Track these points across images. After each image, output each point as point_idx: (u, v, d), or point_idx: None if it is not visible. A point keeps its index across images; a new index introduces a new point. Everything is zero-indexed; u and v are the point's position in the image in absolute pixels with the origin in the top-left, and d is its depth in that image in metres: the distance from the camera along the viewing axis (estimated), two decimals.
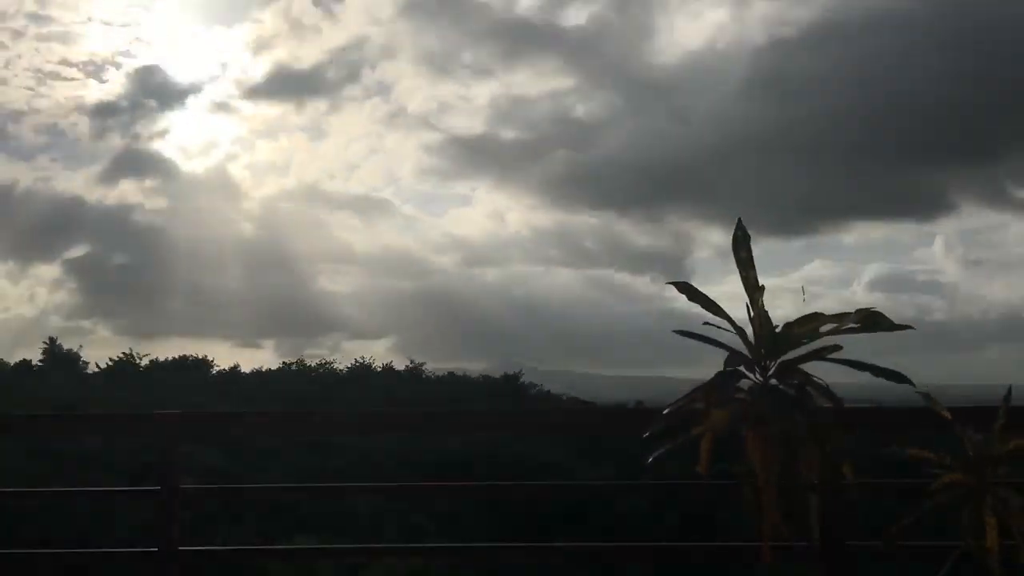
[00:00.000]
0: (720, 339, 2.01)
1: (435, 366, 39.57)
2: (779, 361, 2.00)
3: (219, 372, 37.31)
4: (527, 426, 5.51)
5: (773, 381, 1.99)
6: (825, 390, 1.99)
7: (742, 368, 2.00)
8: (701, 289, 2.02)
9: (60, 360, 36.66)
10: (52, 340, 37.51)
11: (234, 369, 37.57)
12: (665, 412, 2.04)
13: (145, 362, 36.12)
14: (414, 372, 37.65)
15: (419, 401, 31.41)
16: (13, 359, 35.94)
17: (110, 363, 35.54)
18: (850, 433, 2.14)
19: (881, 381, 1.97)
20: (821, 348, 1.98)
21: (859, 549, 2.85)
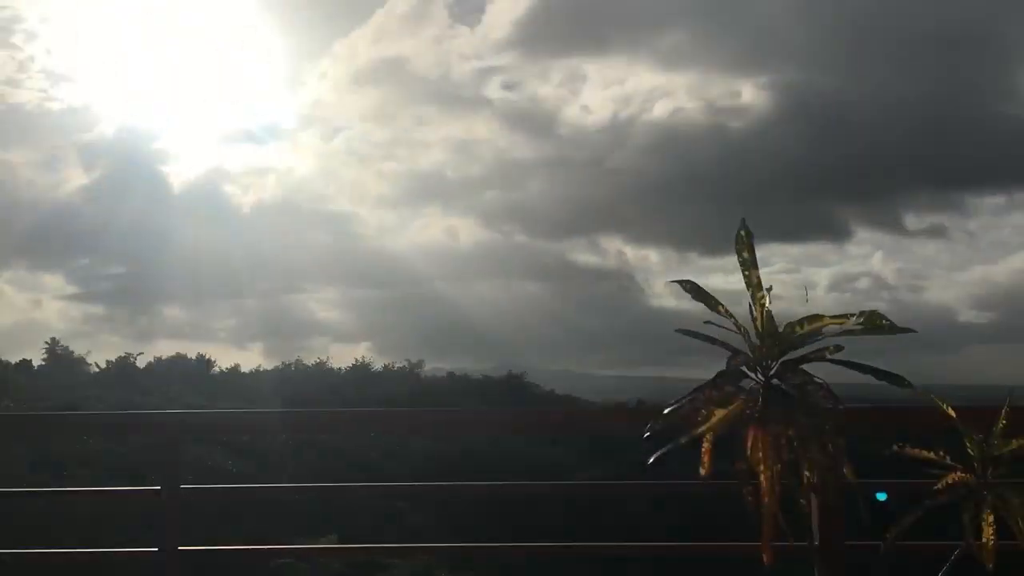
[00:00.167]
0: (722, 339, 2.01)
1: (434, 366, 39.60)
2: (780, 361, 2.00)
3: (219, 372, 37.36)
4: (527, 426, 5.51)
5: (775, 381, 1.99)
6: (826, 390, 1.99)
7: (743, 368, 2.00)
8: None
9: (61, 360, 36.70)
10: (53, 341, 37.55)
11: (234, 369, 37.63)
12: (665, 412, 2.04)
13: (143, 363, 36.14)
14: (414, 372, 37.69)
15: (419, 401, 31.44)
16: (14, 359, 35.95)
17: (115, 360, 35.58)
18: (850, 433, 2.14)
19: (881, 381, 1.97)
20: (823, 348, 1.98)
21: (859, 549, 2.86)
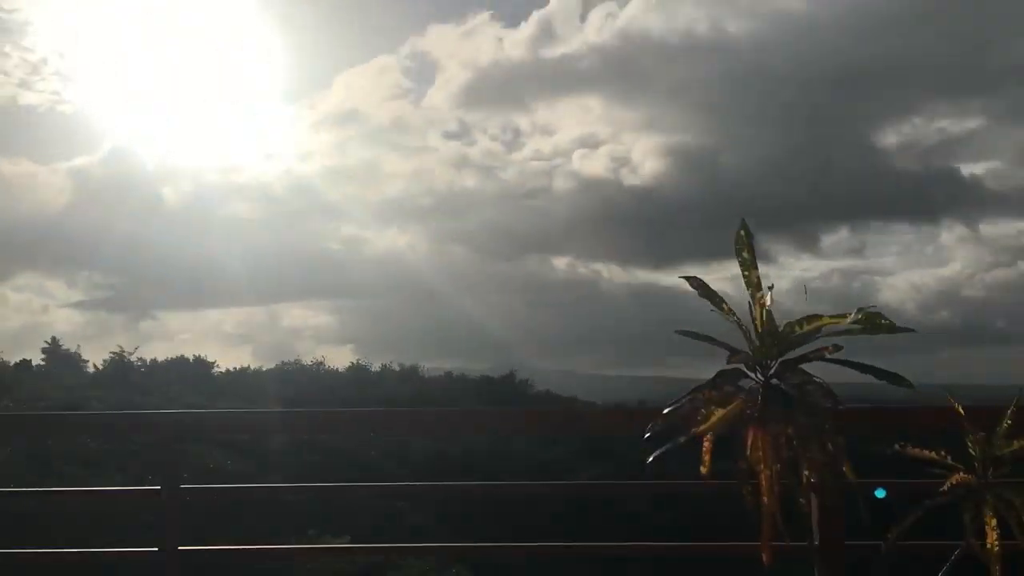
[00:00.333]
0: (721, 338, 2.00)
1: (434, 366, 39.61)
2: (780, 360, 1.99)
3: (219, 373, 37.36)
4: (527, 426, 5.51)
5: (774, 381, 1.99)
6: (826, 390, 1.99)
7: (743, 367, 2.00)
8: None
9: (60, 360, 36.68)
10: (53, 341, 37.54)
11: (234, 369, 37.64)
12: (665, 412, 2.04)
13: (143, 363, 36.12)
14: (413, 372, 37.70)
15: (418, 401, 31.44)
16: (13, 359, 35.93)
17: (109, 359, 35.55)
18: (850, 433, 2.14)
19: (882, 381, 1.97)
20: (822, 348, 1.98)
21: (859, 549, 2.85)
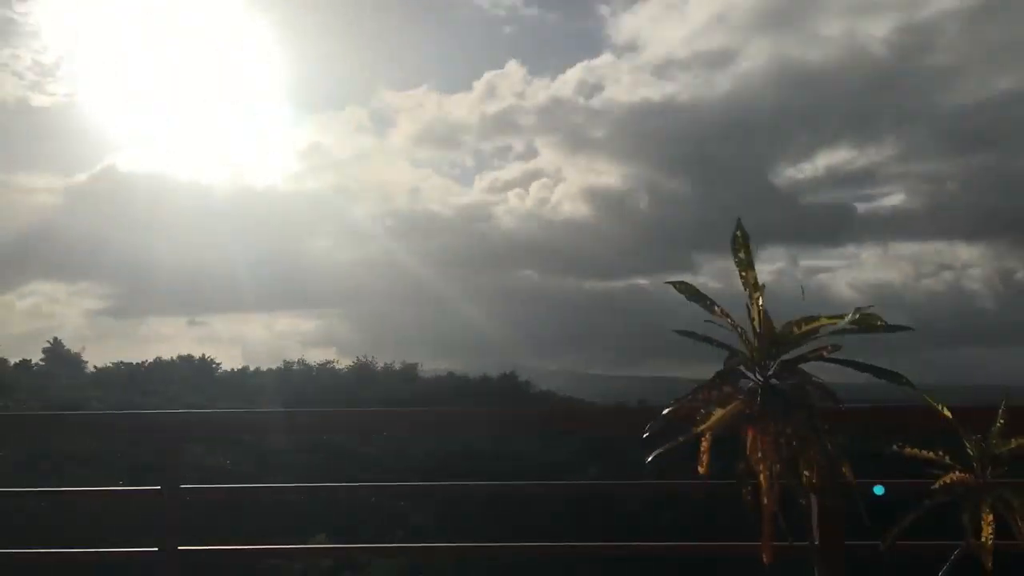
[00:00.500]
0: (720, 339, 2.01)
1: (433, 366, 39.59)
2: (779, 361, 2.00)
3: (220, 373, 37.37)
4: (527, 426, 5.51)
5: (773, 381, 1.99)
6: (825, 390, 1.99)
7: (742, 368, 2.00)
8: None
9: (61, 360, 36.69)
10: (54, 340, 37.55)
11: (234, 370, 37.65)
12: (665, 412, 2.04)
13: (143, 363, 36.13)
14: (413, 372, 37.69)
15: (418, 401, 31.45)
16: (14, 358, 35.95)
17: (115, 362, 35.58)
18: (849, 433, 2.14)
19: (881, 381, 1.97)
20: (821, 348, 1.98)
21: (859, 549, 2.86)
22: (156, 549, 3.15)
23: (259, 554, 8.59)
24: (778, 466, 1.94)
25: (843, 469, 1.98)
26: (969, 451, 2.12)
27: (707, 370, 2.02)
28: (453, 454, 24.80)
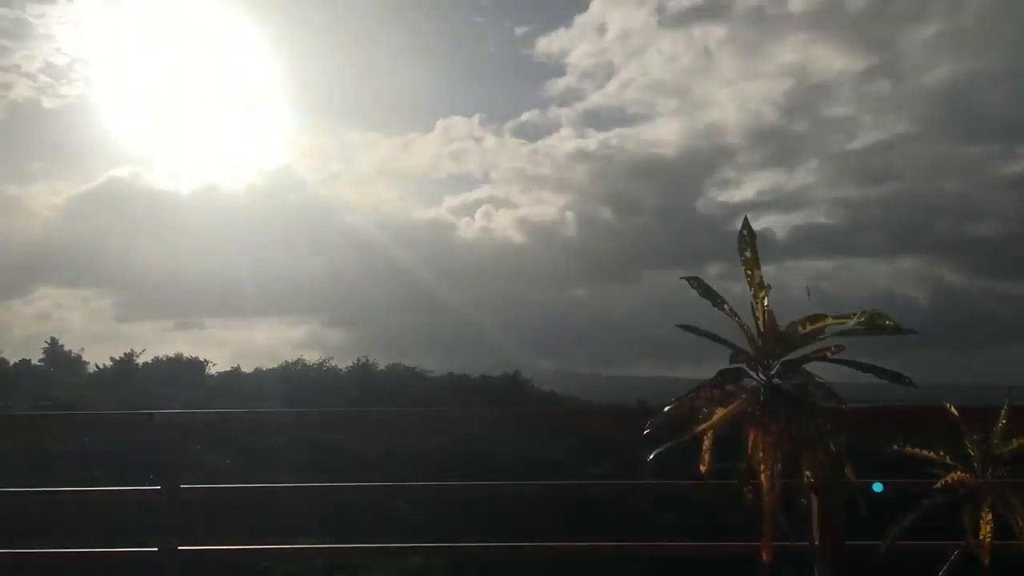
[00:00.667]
0: (724, 337, 2.00)
1: (433, 366, 39.51)
2: (782, 360, 1.99)
3: (219, 372, 37.32)
4: (527, 426, 5.50)
5: (776, 380, 1.99)
6: (827, 390, 1.99)
7: (744, 367, 2.00)
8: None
9: (60, 360, 36.65)
10: (53, 340, 37.50)
11: (234, 369, 37.59)
12: (666, 411, 2.04)
13: (143, 363, 36.09)
14: (412, 372, 37.63)
15: (418, 401, 31.43)
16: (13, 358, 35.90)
17: (116, 360, 35.53)
18: (851, 433, 2.14)
19: (883, 381, 1.97)
20: (824, 348, 1.98)
21: (859, 549, 2.85)
22: (156, 549, 3.15)
23: (259, 554, 8.57)
24: (779, 466, 1.94)
25: (844, 470, 1.98)
26: (969, 451, 2.12)
27: (700, 371, 2.02)
28: (453, 454, 24.78)
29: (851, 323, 1.94)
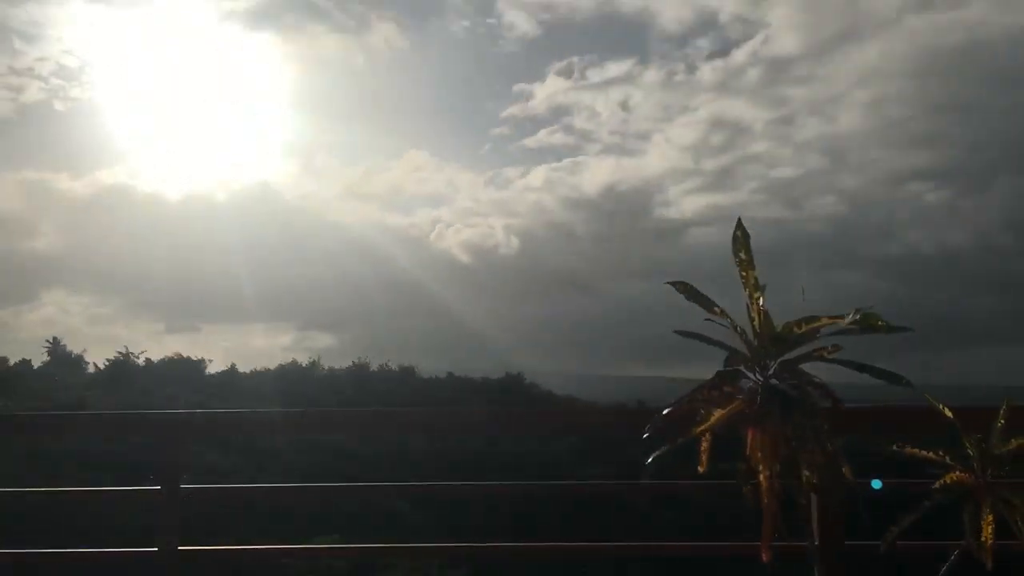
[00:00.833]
0: (720, 339, 2.01)
1: (433, 366, 39.52)
2: (779, 361, 2.00)
3: (218, 372, 37.35)
4: (527, 426, 5.50)
5: (773, 381, 1.99)
6: (825, 390, 1.99)
7: (741, 368, 2.00)
8: None
9: (61, 360, 36.66)
10: (54, 340, 37.51)
11: (233, 369, 37.61)
12: (665, 412, 2.04)
13: (143, 363, 36.10)
14: (413, 372, 37.64)
15: (418, 401, 31.44)
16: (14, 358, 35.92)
17: (113, 359, 35.53)
18: (850, 433, 2.14)
19: (881, 381, 1.97)
20: (821, 348, 1.98)
21: (859, 549, 2.85)
22: (156, 549, 3.15)
23: (259, 554, 8.55)
24: (778, 466, 1.94)
25: (843, 470, 1.98)
26: (969, 451, 2.12)
27: (697, 371, 2.03)
28: (453, 454, 24.80)
29: (845, 322, 1.94)
